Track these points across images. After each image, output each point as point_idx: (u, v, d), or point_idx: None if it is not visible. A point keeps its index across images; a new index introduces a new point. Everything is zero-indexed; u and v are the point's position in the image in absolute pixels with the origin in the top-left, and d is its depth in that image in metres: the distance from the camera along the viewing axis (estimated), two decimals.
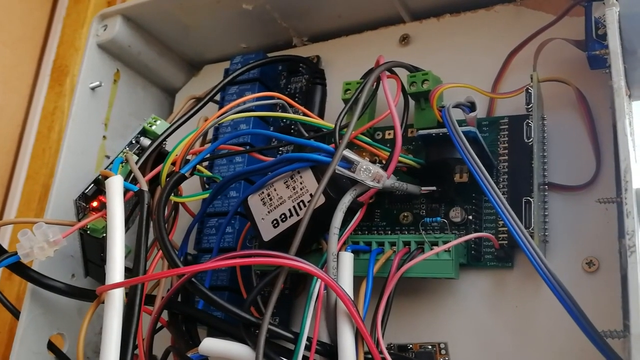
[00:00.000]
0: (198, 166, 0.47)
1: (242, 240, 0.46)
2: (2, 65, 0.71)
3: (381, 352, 0.35)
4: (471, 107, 0.41)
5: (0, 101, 0.71)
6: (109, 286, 0.35)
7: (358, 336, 0.36)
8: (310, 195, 0.39)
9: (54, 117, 0.70)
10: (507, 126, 0.43)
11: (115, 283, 0.35)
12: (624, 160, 0.31)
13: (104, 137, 0.55)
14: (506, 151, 0.42)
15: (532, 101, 0.38)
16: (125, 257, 0.39)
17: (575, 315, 0.33)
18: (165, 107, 0.62)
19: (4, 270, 0.66)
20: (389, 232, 0.44)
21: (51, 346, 0.49)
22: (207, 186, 0.50)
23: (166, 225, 0.42)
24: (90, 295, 0.46)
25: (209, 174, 0.48)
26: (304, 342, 0.35)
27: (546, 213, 0.40)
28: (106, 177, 0.40)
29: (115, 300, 0.35)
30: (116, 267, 0.35)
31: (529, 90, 0.38)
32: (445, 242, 0.39)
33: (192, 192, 0.48)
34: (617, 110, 0.32)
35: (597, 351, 0.33)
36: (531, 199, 0.37)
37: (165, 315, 0.43)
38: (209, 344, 0.35)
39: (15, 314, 0.49)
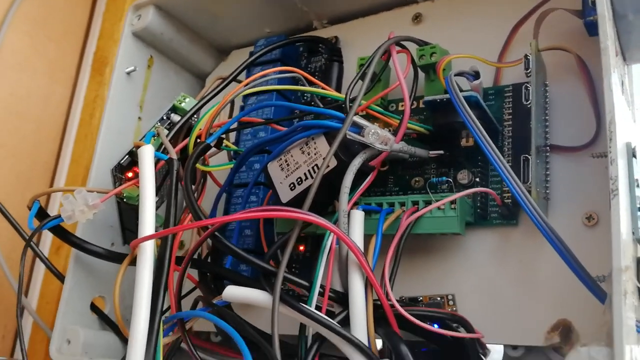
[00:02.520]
0: (225, 141, 0.51)
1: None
2: (48, 59, 0.76)
3: (389, 299, 0.39)
4: (475, 75, 0.44)
5: (46, 91, 0.76)
6: (142, 239, 0.38)
7: (367, 285, 0.39)
8: (323, 158, 0.42)
9: (95, 105, 0.75)
10: (511, 94, 0.45)
11: (147, 236, 0.39)
12: (608, 112, 0.34)
13: (139, 118, 0.59)
14: (510, 117, 0.45)
15: (531, 66, 0.40)
16: (159, 226, 0.43)
17: (570, 262, 0.36)
18: (196, 90, 0.66)
19: (52, 244, 0.71)
20: (402, 196, 0.47)
21: (94, 307, 0.53)
22: (233, 160, 0.54)
23: (195, 193, 0.45)
24: None
25: (235, 147, 0.52)
26: (317, 288, 0.39)
27: (548, 172, 0.43)
28: (138, 148, 0.44)
29: (147, 252, 0.39)
30: (147, 223, 0.39)
31: (528, 57, 0.41)
32: (451, 201, 0.41)
33: None
34: (604, 68, 0.34)
35: (593, 297, 0.35)
36: (529, 156, 0.40)
37: (196, 276, 0.47)
38: (231, 291, 0.39)
39: (62, 279, 0.53)
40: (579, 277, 0.35)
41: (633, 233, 0.35)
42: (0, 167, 0.70)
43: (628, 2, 0.38)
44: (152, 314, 0.38)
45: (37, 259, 0.72)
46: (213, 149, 0.49)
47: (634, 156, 0.36)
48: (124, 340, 0.52)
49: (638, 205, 0.36)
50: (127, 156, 0.47)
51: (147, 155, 0.42)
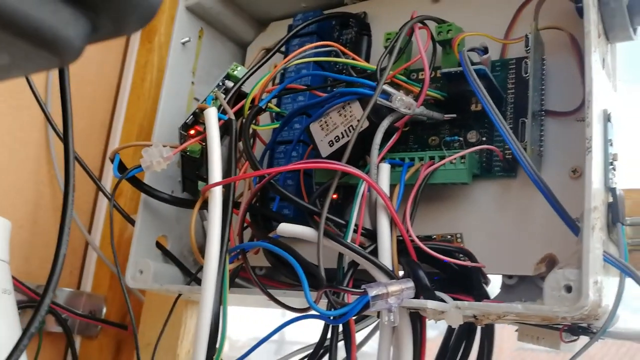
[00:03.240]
0: (270, 104, 0.60)
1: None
2: None
3: (409, 235, 0.48)
4: (484, 50, 0.52)
5: (100, 58, 0.85)
6: (212, 185, 0.48)
7: (392, 224, 0.49)
8: (357, 120, 0.51)
9: (146, 70, 0.84)
10: (514, 66, 0.54)
11: (216, 182, 0.48)
12: (587, 85, 0.42)
13: (192, 82, 0.68)
14: (513, 86, 0.53)
15: (530, 44, 0.49)
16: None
17: (555, 205, 0.45)
18: (238, 58, 0.74)
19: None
20: (420, 152, 0.56)
21: (158, 245, 0.64)
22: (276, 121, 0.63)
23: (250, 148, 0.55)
24: (188, 203, 0.61)
25: (278, 109, 0.61)
26: (352, 226, 0.48)
27: (542, 133, 0.51)
28: (202, 110, 0.54)
29: (217, 195, 0.48)
30: (216, 172, 0.49)
31: (528, 36, 0.49)
32: (461, 156, 0.50)
33: None
34: (586, 49, 0.43)
35: (574, 234, 0.44)
36: (526, 120, 0.48)
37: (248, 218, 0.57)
38: (285, 226, 0.48)
39: (132, 222, 0.63)
40: (562, 217, 0.45)
41: (605, 183, 0.44)
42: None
43: None
44: (221, 244, 0.48)
45: (97, 205, 0.82)
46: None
47: (609, 121, 0.45)
48: (185, 270, 0.62)
49: (610, 161, 0.45)
50: (191, 116, 0.56)
51: (212, 116, 0.51)
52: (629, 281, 0.44)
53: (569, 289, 0.40)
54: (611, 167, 0.45)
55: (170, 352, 0.68)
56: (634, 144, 0.54)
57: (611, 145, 0.45)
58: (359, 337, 0.62)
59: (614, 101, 0.49)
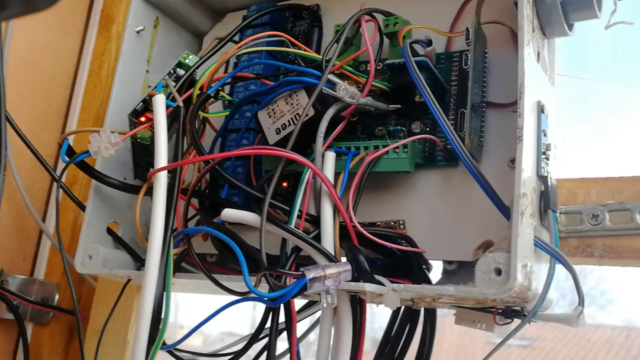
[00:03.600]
0: (221, 93, 0.61)
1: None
2: (59, 14, 0.84)
3: (352, 221, 0.49)
4: (428, 43, 0.54)
5: (58, 44, 0.85)
6: (158, 169, 0.49)
7: (335, 210, 0.50)
8: (303, 109, 0.52)
9: (103, 58, 0.84)
10: (458, 59, 0.55)
11: (161, 167, 0.49)
12: (520, 77, 0.44)
13: (147, 71, 0.68)
14: (456, 79, 0.55)
15: (470, 37, 0.50)
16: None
17: (489, 193, 0.47)
18: (194, 48, 0.75)
19: (66, 181, 0.81)
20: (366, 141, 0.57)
21: (109, 231, 0.64)
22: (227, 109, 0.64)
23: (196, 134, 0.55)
24: (138, 190, 0.61)
25: (229, 97, 0.61)
26: (296, 212, 0.49)
27: (483, 124, 0.53)
28: (152, 97, 0.54)
29: (161, 180, 0.49)
30: (161, 157, 0.49)
31: (468, 29, 0.51)
32: (403, 144, 0.52)
33: None
34: (519, 43, 0.45)
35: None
36: (465, 110, 0.50)
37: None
38: (228, 212, 0.49)
39: (83, 208, 0.64)
40: (495, 204, 0.46)
41: (538, 171, 0.46)
42: (18, 112, 0.79)
43: None
44: (165, 229, 0.49)
45: (52, 193, 0.82)
46: (211, 99, 0.58)
47: (543, 112, 0.47)
48: (135, 256, 0.63)
49: (543, 150, 0.46)
50: (141, 103, 0.57)
51: (160, 102, 0.52)
52: (596, 278, 0.46)
53: (498, 272, 0.42)
54: (544, 156, 0.46)
55: (121, 338, 0.68)
56: (569, 135, 0.56)
57: (545, 135, 0.47)
58: (305, 324, 0.63)
59: (550, 94, 0.51)
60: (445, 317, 0.60)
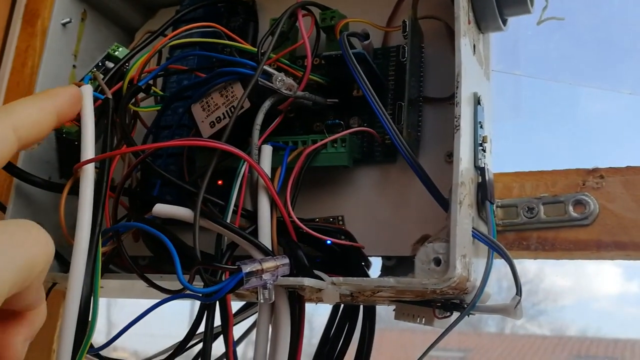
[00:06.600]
0: (153, 88, 0.58)
1: None
2: None
3: (290, 216, 0.48)
4: (365, 36, 0.53)
5: None
6: (85, 162, 0.46)
7: (273, 204, 0.48)
8: (239, 100, 0.50)
9: (27, 55, 0.79)
10: (395, 54, 0.55)
11: (88, 159, 0.46)
12: (457, 67, 0.44)
13: (73, 66, 0.65)
14: (394, 73, 0.55)
15: (407, 30, 0.50)
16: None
17: (428, 185, 0.46)
18: (125, 44, 0.71)
19: None
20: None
21: None
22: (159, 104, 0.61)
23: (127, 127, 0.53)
24: (62, 188, 0.58)
25: (161, 92, 0.59)
26: (231, 207, 0.48)
27: (420, 119, 0.53)
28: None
29: (89, 174, 0.46)
30: (88, 149, 0.47)
31: (405, 22, 0.51)
32: (341, 139, 0.51)
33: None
34: (455, 33, 0.45)
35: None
36: (402, 103, 0.50)
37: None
38: (160, 207, 0.47)
39: (3, 209, 0.60)
40: (434, 196, 0.46)
41: (475, 162, 0.46)
42: None
43: None
44: (93, 225, 0.46)
45: None
46: (142, 94, 0.56)
47: (479, 103, 0.47)
48: (61, 260, 0.59)
49: (480, 142, 0.46)
50: None
51: (88, 93, 0.49)
52: (526, 290, 0.46)
53: (437, 261, 0.42)
54: (480, 148, 0.47)
55: (46, 348, 0.64)
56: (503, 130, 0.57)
57: (481, 127, 0.47)
58: (245, 325, 0.62)
59: (485, 88, 0.51)
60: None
